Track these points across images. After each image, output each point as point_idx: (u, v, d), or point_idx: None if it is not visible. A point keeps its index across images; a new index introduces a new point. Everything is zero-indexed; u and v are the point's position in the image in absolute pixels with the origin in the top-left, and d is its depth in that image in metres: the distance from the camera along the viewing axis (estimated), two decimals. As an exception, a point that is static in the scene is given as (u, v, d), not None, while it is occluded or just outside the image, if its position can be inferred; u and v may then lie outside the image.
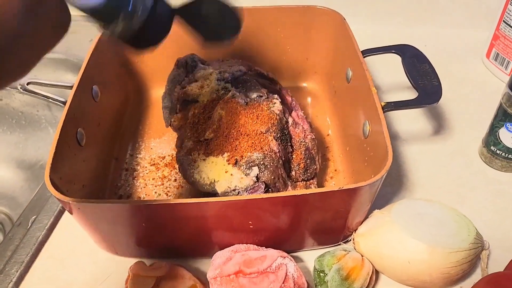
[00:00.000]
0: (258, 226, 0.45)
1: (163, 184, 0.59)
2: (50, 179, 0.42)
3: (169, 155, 0.63)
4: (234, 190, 0.48)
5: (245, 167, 0.49)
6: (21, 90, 0.50)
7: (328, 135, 0.65)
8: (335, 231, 0.49)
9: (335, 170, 0.60)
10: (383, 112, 0.49)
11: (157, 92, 0.71)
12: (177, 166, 0.55)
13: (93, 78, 0.58)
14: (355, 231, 0.49)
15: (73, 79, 0.78)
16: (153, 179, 0.60)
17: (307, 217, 0.45)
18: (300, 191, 0.46)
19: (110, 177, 0.60)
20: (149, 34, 0.39)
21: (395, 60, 0.57)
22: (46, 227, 0.52)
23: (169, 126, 0.60)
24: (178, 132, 0.58)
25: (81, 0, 0.33)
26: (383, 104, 0.50)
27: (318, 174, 0.56)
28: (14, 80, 0.27)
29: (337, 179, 0.59)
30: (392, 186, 0.58)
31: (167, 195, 0.58)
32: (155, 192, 0.58)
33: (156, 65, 0.70)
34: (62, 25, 0.30)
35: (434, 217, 0.46)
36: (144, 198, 0.58)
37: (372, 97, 0.50)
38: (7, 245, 0.52)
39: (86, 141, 0.53)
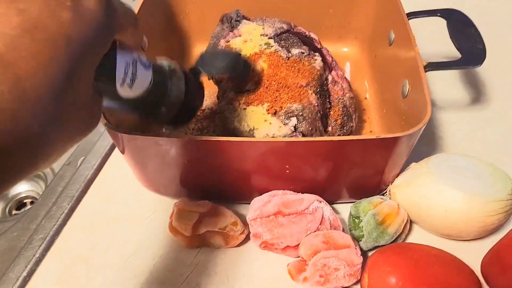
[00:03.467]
0: (295, 172, 0.47)
1: (202, 134, 0.62)
2: (103, 114, 0.45)
3: (208, 108, 0.65)
4: (273, 137, 0.50)
5: (284, 117, 0.50)
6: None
7: (365, 98, 0.66)
8: (371, 183, 0.50)
9: (371, 131, 0.61)
10: (425, 72, 0.49)
11: (200, 49, 0.73)
12: (216, 118, 0.58)
13: (143, 27, 0.60)
14: (392, 183, 0.50)
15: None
16: (192, 129, 0.62)
17: (343, 166, 0.47)
18: (337, 137, 0.47)
19: (154, 127, 0.62)
20: (188, 111, 0.44)
21: (440, 24, 0.57)
22: (94, 167, 0.55)
23: (211, 79, 0.62)
24: (219, 85, 0.60)
25: (123, 90, 0.33)
26: (425, 63, 0.50)
27: (354, 133, 0.57)
28: (8, 189, 0.22)
29: (372, 140, 0.60)
30: (428, 146, 0.58)
31: (205, 144, 0.60)
32: (195, 141, 0.61)
33: (201, 21, 0.72)
34: (91, 116, 0.27)
35: (471, 170, 0.47)
36: (184, 145, 0.60)
37: (415, 57, 0.51)
38: (58, 181, 0.56)
39: (133, 86, 0.56)
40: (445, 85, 0.67)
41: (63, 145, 0.24)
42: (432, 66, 0.50)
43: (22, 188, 0.80)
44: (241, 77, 0.54)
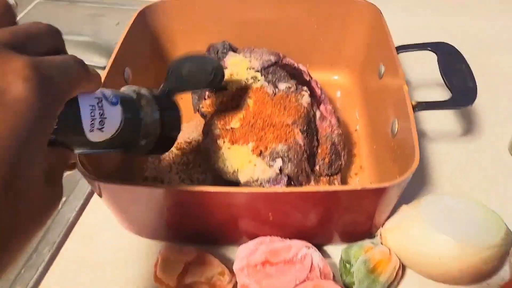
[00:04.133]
0: (280, 219, 0.45)
1: (188, 170, 0.60)
2: (80, 160, 0.43)
3: (195, 140, 0.64)
4: (256, 180, 0.48)
5: (269, 158, 0.49)
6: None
7: (356, 130, 0.64)
8: (362, 227, 0.49)
9: (361, 167, 0.60)
10: (414, 112, 0.48)
11: (187, 76, 0.71)
12: (202, 148, 0.56)
13: (126, 59, 0.58)
14: (382, 225, 0.49)
15: (101, 61, 0.82)
16: (178, 163, 0.61)
17: (331, 214, 0.45)
18: (321, 187, 0.45)
19: (137, 160, 0.61)
20: (168, 136, 0.42)
21: (430, 56, 0.56)
22: (76, 209, 0.54)
23: (197, 112, 0.61)
24: (205, 119, 0.58)
25: (93, 136, 0.32)
26: (414, 103, 0.49)
27: (342, 170, 0.56)
28: None
29: (362, 176, 0.58)
30: (419, 181, 0.57)
31: (191, 180, 0.59)
32: (180, 177, 0.59)
33: (187, 49, 0.70)
34: (49, 204, 0.25)
35: (463, 213, 0.46)
36: (168, 181, 0.59)
37: (403, 95, 0.49)
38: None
39: (116, 122, 0.54)
40: (435, 115, 0.65)
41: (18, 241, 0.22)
42: (422, 106, 0.49)
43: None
44: (214, 87, 0.52)
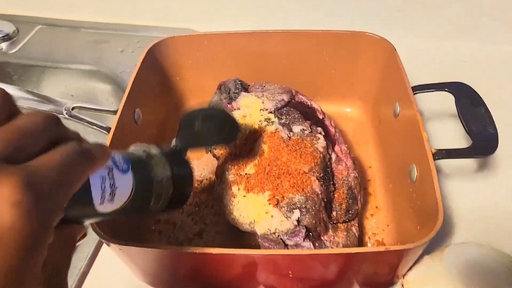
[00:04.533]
0: (301, 275, 0.44)
1: (200, 211, 0.59)
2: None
3: (206, 179, 0.63)
4: (274, 233, 0.47)
5: (286, 209, 0.48)
6: (66, 116, 0.50)
7: (370, 167, 0.63)
8: (382, 278, 0.48)
9: (376, 207, 0.59)
10: (434, 160, 0.47)
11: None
12: (216, 195, 0.55)
13: (136, 101, 0.57)
14: (404, 276, 0.48)
15: (105, 88, 0.81)
16: (190, 204, 0.60)
17: (353, 269, 0.44)
18: (345, 250, 0.44)
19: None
20: (181, 195, 0.41)
21: (448, 97, 0.55)
22: (87, 257, 0.52)
23: (209, 153, 0.60)
24: (218, 160, 0.57)
25: (105, 207, 0.31)
26: (433, 151, 0.48)
27: (358, 214, 0.55)
28: None
29: (378, 217, 0.57)
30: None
31: (204, 223, 0.58)
32: (192, 219, 0.58)
33: (196, 81, 0.69)
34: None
35: (486, 264, 0.45)
36: (180, 225, 0.57)
37: (422, 142, 0.48)
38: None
39: (127, 168, 0.53)
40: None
41: None
42: (441, 154, 0.48)
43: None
44: (229, 143, 0.51)
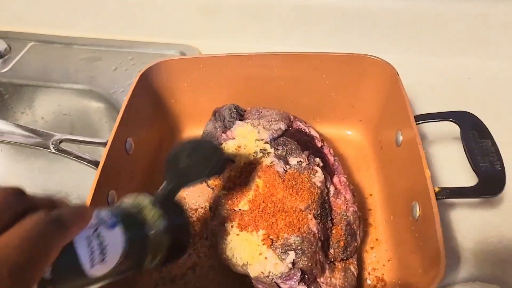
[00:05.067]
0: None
1: (194, 243, 0.57)
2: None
3: (201, 207, 0.61)
4: (267, 276, 0.45)
5: (280, 250, 0.45)
6: (53, 150, 0.48)
7: (371, 195, 0.61)
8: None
9: (377, 240, 0.56)
10: (436, 199, 0.44)
11: (192, 133, 0.68)
12: (208, 232, 0.53)
13: (128, 130, 0.55)
14: None
15: (98, 108, 0.79)
16: (184, 235, 0.58)
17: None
18: None
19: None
20: (178, 245, 0.38)
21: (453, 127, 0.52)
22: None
23: (204, 183, 0.57)
24: (213, 191, 0.55)
25: (97, 270, 0.29)
26: (437, 190, 0.45)
27: (358, 249, 0.52)
28: None
29: (379, 250, 0.55)
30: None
31: (197, 256, 0.56)
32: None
33: (193, 105, 0.67)
34: None
35: None
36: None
37: (425, 179, 0.46)
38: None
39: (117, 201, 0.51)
40: (451, 173, 0.60)
41: None
42: (445, 193, 0.45)
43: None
44: (217, 173, 0.49)
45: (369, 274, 0.53)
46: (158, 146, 0.65)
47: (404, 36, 0.77)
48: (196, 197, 0.62)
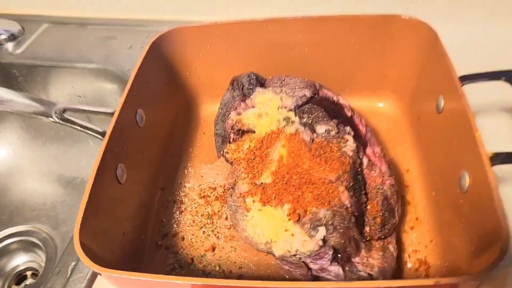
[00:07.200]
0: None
1: (212, 223, 0.52)
2: (80, 242, 0.36)
3: (220, 186, 0.56)
4: (294, 255, 0.40)
5: (309, 226, 0.40)
6: (56, 119, 0.44)
7: (407, 171, 0.54)
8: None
9: (417, 219, 0.50)
10: (491, 166, 0.38)
11: (210, 107, 0.64)
12: (227, 209, 0.48)
13: (138, 101, 0.51)
14: None
15: (113, 88, 0.76)
16: (201, 215, 0.53)
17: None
18: (389, 282, 0.35)
19: (154, 212, 0.53)
20: None
21: (501, 86, 0.45)
22: (86, 278, 0.46)
23: (221, 157, 0.52)
24: (231, 165, 0.50)
25: None
26: (490, 154, 0.39)
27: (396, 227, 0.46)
28: None
29: (419, 230, 0.49)
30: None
31: (217, 236, 0.51)
32: (203, 232, 0.51)
33: (209, 77, 0.62)
34: None
35: None
36: (190, 239, 0.51)
37: (475, 143, 0.39)
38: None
39: (127, 177, 0.47)
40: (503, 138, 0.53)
41: None
42: (500, 158, 0.39)
43: (20, 260, 0.73)
44: None
45: (409, 256, 0.47)
46: (173, 121, 0.61)
47: (443, 2, 0.70)
48: (214, 175, 0.57)
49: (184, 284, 0.34)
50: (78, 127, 0.45)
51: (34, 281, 0.70)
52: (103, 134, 0.45)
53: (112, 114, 0.47)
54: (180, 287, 0.35)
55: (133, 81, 0.50)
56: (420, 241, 0.48)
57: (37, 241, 0.72)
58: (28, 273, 0.73)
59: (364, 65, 0.59)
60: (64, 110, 0.45)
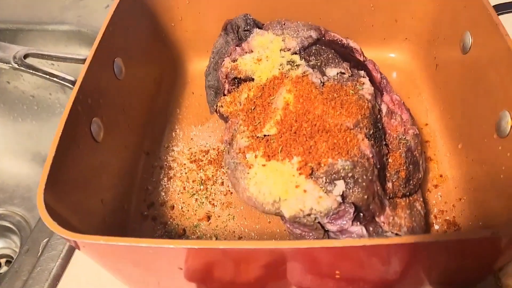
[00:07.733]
0: (352, 275, 0.30)
1: (206, 189, 0.45)
2: (46, 203, 0.28)
3: (213, 149, 0.49)
4: (309, 214, 0.33)
5: (324, 180, 0.33)
6: (15, 65, 0.37)
7: (426, 124, 0.48)
8: (464, 276, 0.34)
9: (441, 176, 0.44)
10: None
11: (198, 64, 0.56)
12: (225, 167, 0.41)
13: (115, 48, 0.43)
14: (501, 270, 0.33)
15: (87, 54, 0.67)
16: (193, 181, 0.46)
17: (426, 264, 0.30)
18: (420, 237, 0.29)
19: (138, 179, 0.46)
20: None
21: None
22: (61, 256, 0.39)
23: (215, 112, 0.45)
24: (227, 121, 0.43)
25: None
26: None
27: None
28: None
29: (445, 189, 0.43)
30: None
31: (212, 204, 0.44)
32: (196, 200, 0.44)
33: (198, 29, 0.55)
34: None
35: None
36: (181, 208, 0.44)
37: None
38: (13, 279, 0.40)
39: (105, 135, 0.40)
40: None
41: None
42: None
43: (-7, 247, 0.66)
44: None
45: (435, 217, 0.41)
46: (158, 79, 0.53)
47: None
48: (206, 137, 0.50)
49: (178, 250, 0.27)
50: (42, 74, 0.37)
51: (8, 268, 0.63)
52: (73, 83, 0.38)
53: (84, 60, 0.39)
54: (172, 254, 0.28)
55: (108, 24, 0.42)
56: (447, 201, 0.42)
57: (11, 225, 0.65)
58: (2, 260, 0.66)
59: (372, 10, 0.52)
60: (26, 56, 0.38)
